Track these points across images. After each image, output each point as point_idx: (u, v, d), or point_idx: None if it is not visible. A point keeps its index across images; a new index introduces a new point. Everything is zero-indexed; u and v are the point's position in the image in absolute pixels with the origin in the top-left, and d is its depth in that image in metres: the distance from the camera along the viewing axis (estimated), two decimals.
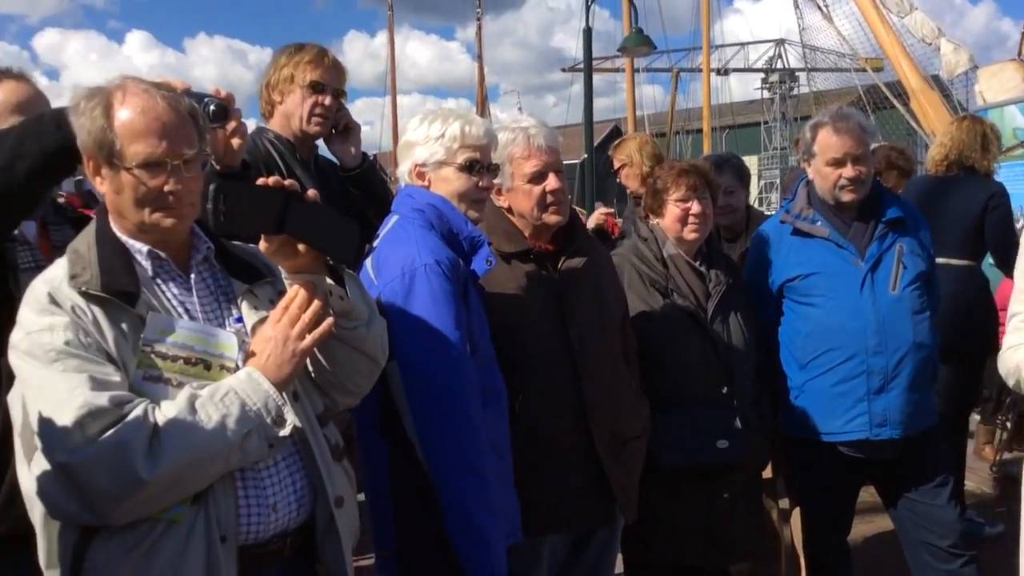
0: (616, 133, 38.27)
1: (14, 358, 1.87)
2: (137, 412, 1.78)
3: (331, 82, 3.28)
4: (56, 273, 1.93)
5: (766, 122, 44.03)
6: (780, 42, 41.91)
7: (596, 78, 15.03)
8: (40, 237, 2.48)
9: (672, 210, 3.39)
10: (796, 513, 3.94)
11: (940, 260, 4.12)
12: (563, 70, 33.93)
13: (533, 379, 2.79)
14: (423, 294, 2.40)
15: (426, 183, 2.64)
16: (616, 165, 5.25)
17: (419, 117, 2.69)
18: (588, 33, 14.58)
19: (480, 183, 2.64)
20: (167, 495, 1.82)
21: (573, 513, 2.88)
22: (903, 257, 3.48)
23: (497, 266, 2.64)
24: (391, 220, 2.65)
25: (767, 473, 3.76)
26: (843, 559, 3.76)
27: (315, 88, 3.24)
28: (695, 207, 3.36)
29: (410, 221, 2.56)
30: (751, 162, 37.81)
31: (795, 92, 41.77)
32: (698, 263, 3.44)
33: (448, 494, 2.36)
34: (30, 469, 1.91)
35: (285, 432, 1.95)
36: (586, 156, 14.26)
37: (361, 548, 2.34)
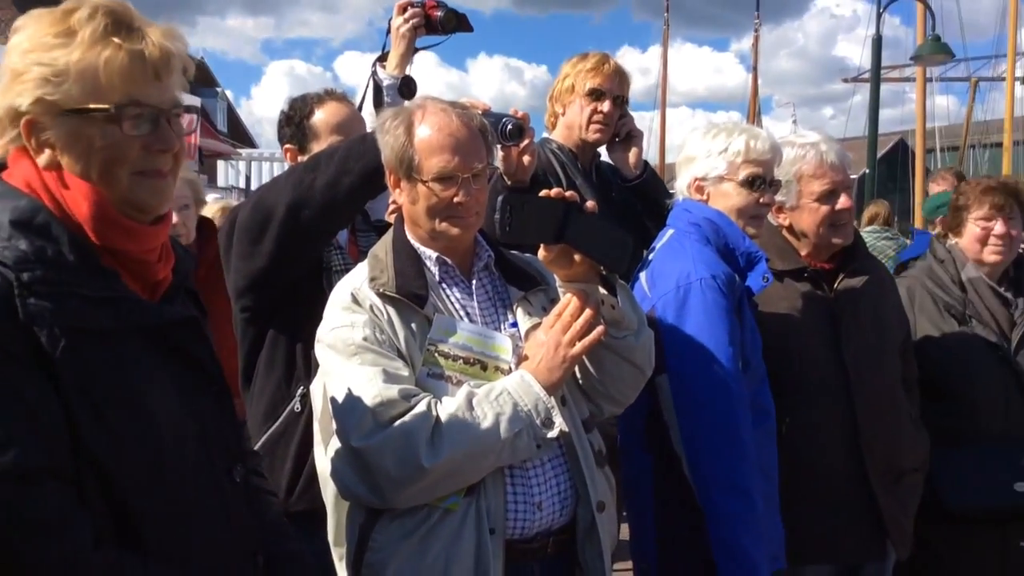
0: (902, 147, 35.61)
1: (319, 350, 2.09)
2: (422, 405, 1.93)
3: (611, 89, 3.22)
4: (358, 275, 2.13)
5: None
6: None
7: (881, 88, 14.12)
8: (350, 243, 2.72)
9: (971, 229, 3.12)
10: None
11: None
12: (844, 80, 31.84)
13: (802, 402, 2.67)
14: (697, 308, 2.37)
15: (704, 197, 2.60)
16: None
17: (701, 130, 2.65)
18: (878, 42, 13.82)
19: (761, 199, 2.57)
20: (444, 484, 1.95)
21: (840, 544, 2.73)
22: None
23: (770, 284, 2.56)
24: (666, 233, 2.64)
25: None
26: None
27: (594, 95, 3.20)
28: (998, 227, 3.07)
29: (686, 235, 2.54)
30: None
31: None
32: (1003, 288, 3.13)
33: (715, 515, 2.31)
34: (326, 452, 2.13)
35: (553, 434, 2.02)
36: (867, 171, 13.44)
37: (617, 556, 2.34)
